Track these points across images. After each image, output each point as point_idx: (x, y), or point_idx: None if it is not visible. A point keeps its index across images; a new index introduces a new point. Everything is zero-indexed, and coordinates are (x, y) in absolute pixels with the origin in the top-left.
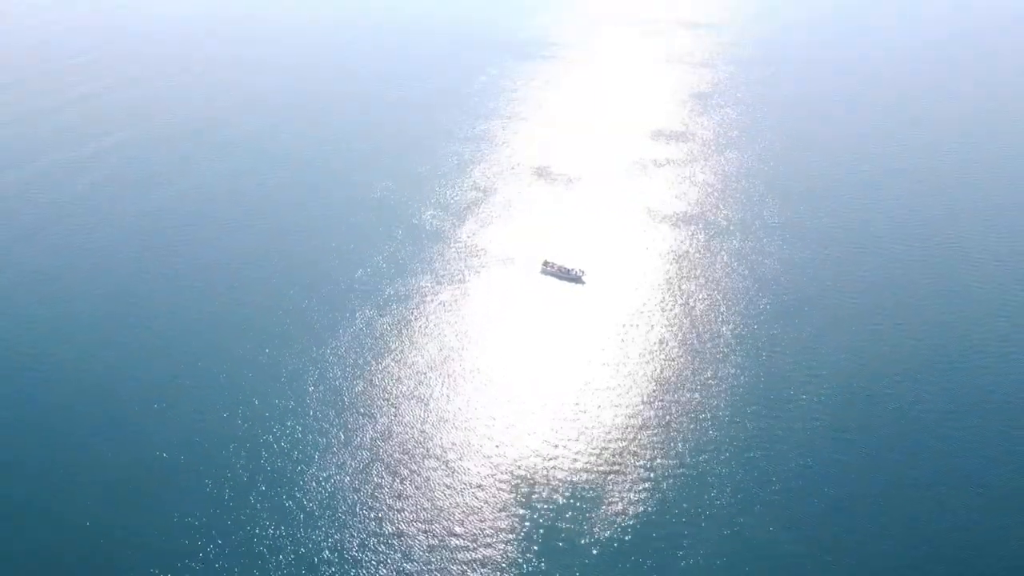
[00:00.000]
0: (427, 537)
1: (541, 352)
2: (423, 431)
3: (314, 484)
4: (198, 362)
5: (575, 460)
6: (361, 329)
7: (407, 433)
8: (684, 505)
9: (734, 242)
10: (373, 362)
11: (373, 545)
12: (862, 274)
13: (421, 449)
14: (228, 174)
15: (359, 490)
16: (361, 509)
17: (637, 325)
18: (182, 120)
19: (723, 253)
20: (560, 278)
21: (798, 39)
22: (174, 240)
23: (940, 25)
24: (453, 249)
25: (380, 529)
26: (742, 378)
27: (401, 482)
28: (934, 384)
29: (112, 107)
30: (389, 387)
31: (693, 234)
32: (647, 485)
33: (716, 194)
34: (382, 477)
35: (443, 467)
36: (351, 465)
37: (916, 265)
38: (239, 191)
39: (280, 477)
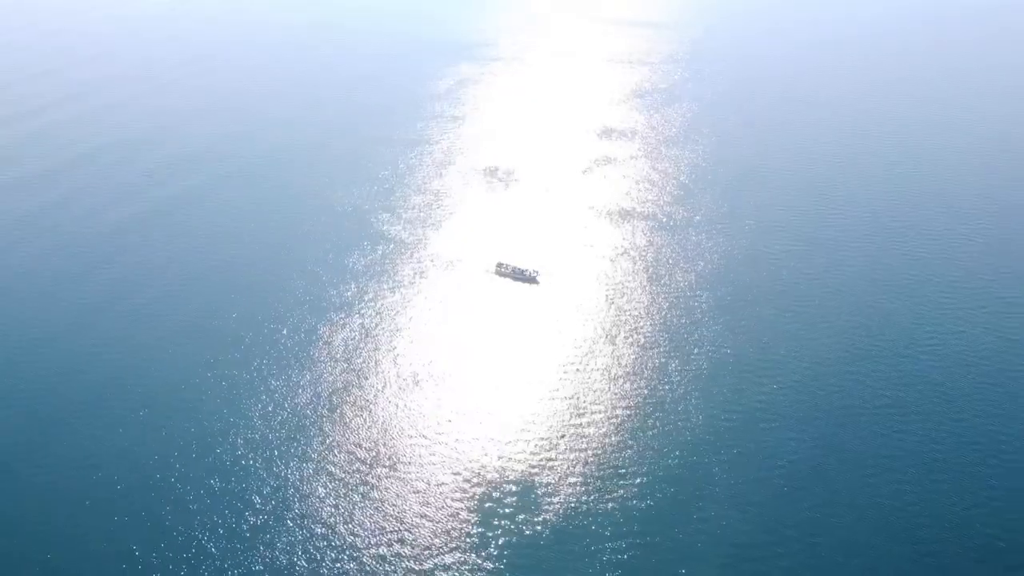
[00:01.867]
0: (379, 547)
1: (499, 354)
2: (373, 439)
3: (259, 500)
4: (134, 376)
5: (531, 462)
6: (307, 337)
7: (357, 442)
8: (641, 502)
9: (679, 236)
10: (321, 371)
11: (323, 559)
12: (803, 265)
13: (371, 457)
14: (170, 182)
15: (307, 503)
16: (310, 523)
17: (593, 323)
18: (130, 128)
19: (669, 248)
20: (515, 279)
21: (733, 35)
22: (114, 250)
23: (872, 16)
24: (403, 253)
25: (330, 542)
26: (692, 370)
27: (351, 492)
28: (878, 370)
29: (56, 123)
30: (337, 396)
31: (641, 230)
32: (603, 483)
33: (660, 190)
34: (330, 488)
35: (393, 475)
36: (298, 478)
37: (857, 254)
38: (181, 199)
39: (224, 494)
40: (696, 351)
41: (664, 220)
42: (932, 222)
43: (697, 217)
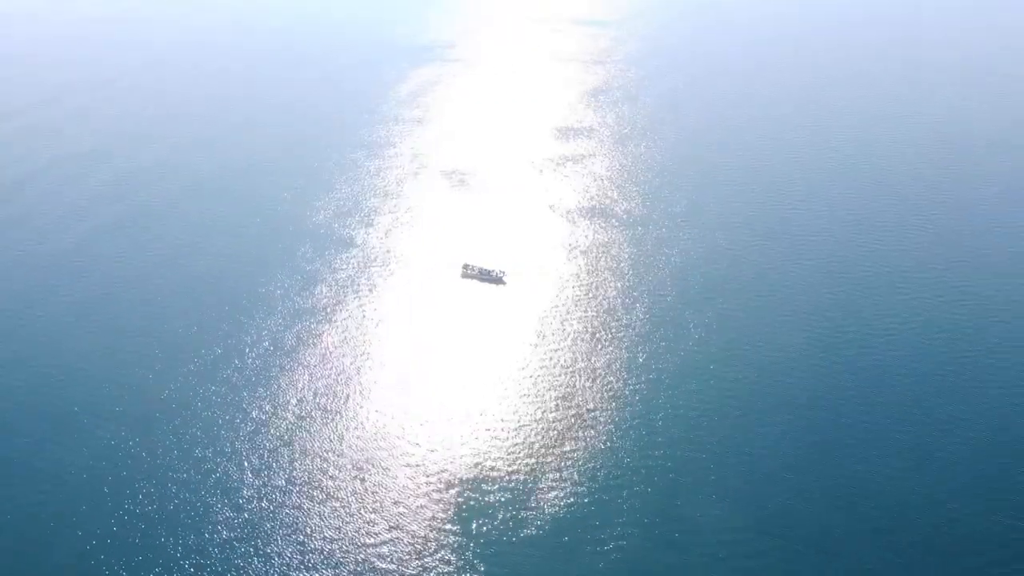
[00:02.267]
0: (351, 556)
1: (470, 356)
2: (340, 447)
3: (229, 513)
4: (94, 388)
5: (506, 465)
6: (272, 347)
7: (323, 450)
8: (616, 496)
9: (641, 233)
10: (287, 381)
11: (295, 571)
12: (764, 259)
13: (339, 466)
14: (128, 196)
15: (277, 515)
16: (280, 535)
17: (563, 323)
18: (82, 141)
19: (632, 245)
20: (481, 280)
21: (683, 32)
22: (66, 260)
23: (826, 11)
24: (364, 256)
25: (302, 555)
26: (661, 366)
27: (323, 501)
28: (841, 360)
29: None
30: (305, 404)
31: (603, 227)
32: (576, 481)
33: (620, 187)
34: (301, 499)
35: (365, 481)
36: (267, 489)
37: (816, 247)
38: (139, 214)
39: (191, 509)
40: (663, 346)
41: (625, 217)
42: (885, 214)
43: (656, 214)
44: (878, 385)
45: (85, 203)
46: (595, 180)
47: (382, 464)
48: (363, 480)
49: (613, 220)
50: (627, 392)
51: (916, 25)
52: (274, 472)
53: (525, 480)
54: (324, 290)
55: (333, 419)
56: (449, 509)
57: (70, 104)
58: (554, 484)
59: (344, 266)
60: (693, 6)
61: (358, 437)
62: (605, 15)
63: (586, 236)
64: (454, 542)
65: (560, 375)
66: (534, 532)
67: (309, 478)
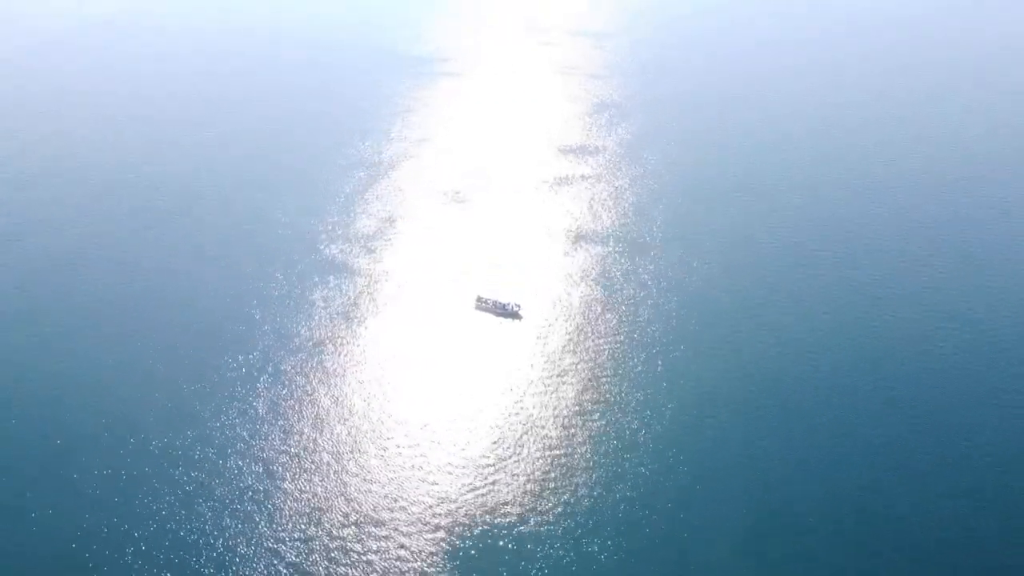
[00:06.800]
0: None
1: (490, 400)
2: (351, 494)
3: (242, 568)
4: (84, 418)
5: (524, 516)
6: (274, 381)
7: (332, 495)
8: (637, 546)
9: (654, 257)
10: (294, 418)
11: None
12: (782, 279)
13: (347, 506)
14: (114, 210)
15: (285, 560)
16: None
17: (581, 360)
18: (64, 148)
19: (646, 270)
20: (496, 314)
21: (686, 44)
22: (59, 281)
23: (827, 23)
24: (370, 285)
25: None
26: (680, 398)
27: (333, 549)
28: (868, 382)
29: None
30: (311, 447)
31: (618, 252)
32: (603, 535)
33: (630, 209)
34: (312, 547)
35: (373, 532)
36: (272, 534)
37: (834, 265)
38: (124, 231)
39: (186, 546)
40: (690, 383)
41: (637, 240)
42: (900, 229)
43: (670, 235)
44: (889, 398)
45: (70, 214)
46: (604, 201)
47: (388, 516)
48: (372, 529)
49: (626, 244)
50: (652, 437)
51: (926, 26)
52: (273, 514)
53: (546, 532)
54: (325, 319)
55: (339, 463)
56: (466, 562)
57: (66, 111)
58: (568, 534)
59: (348, 293)
60: (688, 14)
61: (368, 485)
62: (604, 26)
63: (599, 263)
64: None
65: (581, 418)
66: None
67: (313, 526)
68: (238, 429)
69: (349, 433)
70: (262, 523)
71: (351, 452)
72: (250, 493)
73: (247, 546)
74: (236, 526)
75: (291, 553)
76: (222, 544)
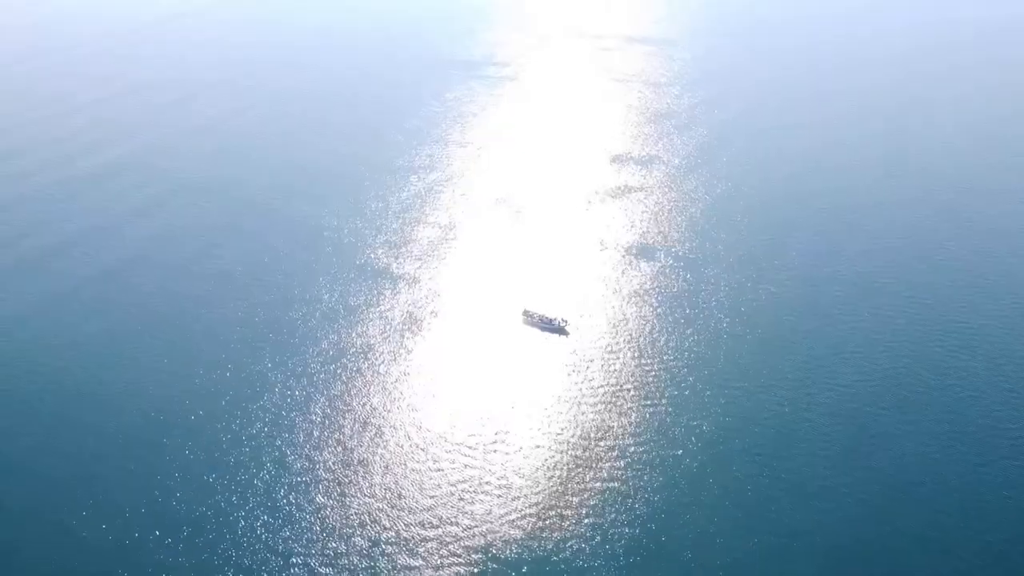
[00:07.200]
0: None
1: (540, 420)
2: (391, 512)
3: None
4: (126, 420)
5: (554, 535)
6: (320, 391)
7: (369, 513)
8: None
9: (709, 273)
10: (335, 431)
11: None
12: (860, 318)
13: (394, 522)
14: (158, 216)
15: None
16: None
17: (629, 380)
18: (106, 146)
19: (700, 287)
20: (542, 329)
21: (741, 52)
22: (106, 285)
23: (895, 37)
24: (417, 294)
25: None
26: (742, 434)
27: (360, 561)
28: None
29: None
30: (353, 463)
31: (671, 269)
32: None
33: (686, 223)
34: (354, 563)
35: (411, 553)
36: (315, 552)
37: (904, 289)
38: (171, 234)
39: (217, 561)
40: (746, 413)
41: (689, 256)
42: (975, 257)
43: (723, 252)
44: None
45: (116, 221)
46: (659, 214)
47: (425, 536)
48: (409, 551)
49: (680, 259)
50: (707, 462)
51: (984, 46)
52: (316, 533)
53: (589, 553)
54: (368, 328)
55: (381, 477)
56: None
57: (102, 114)
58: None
59: (393, 302)
60: (749, 24)
61: (404, 503)
62: (659, 32)
63: (651, 279)
64: None
65: (629, 443)
66: None
67: (351, 547)
68: (276, 440)
69: (397, 444)
70: (305, 530)
71: (392, 465)
72: (283, 503)
73: (277, 556)
74: (273, 534)
75: (338, 561)
76: (255, 552)
